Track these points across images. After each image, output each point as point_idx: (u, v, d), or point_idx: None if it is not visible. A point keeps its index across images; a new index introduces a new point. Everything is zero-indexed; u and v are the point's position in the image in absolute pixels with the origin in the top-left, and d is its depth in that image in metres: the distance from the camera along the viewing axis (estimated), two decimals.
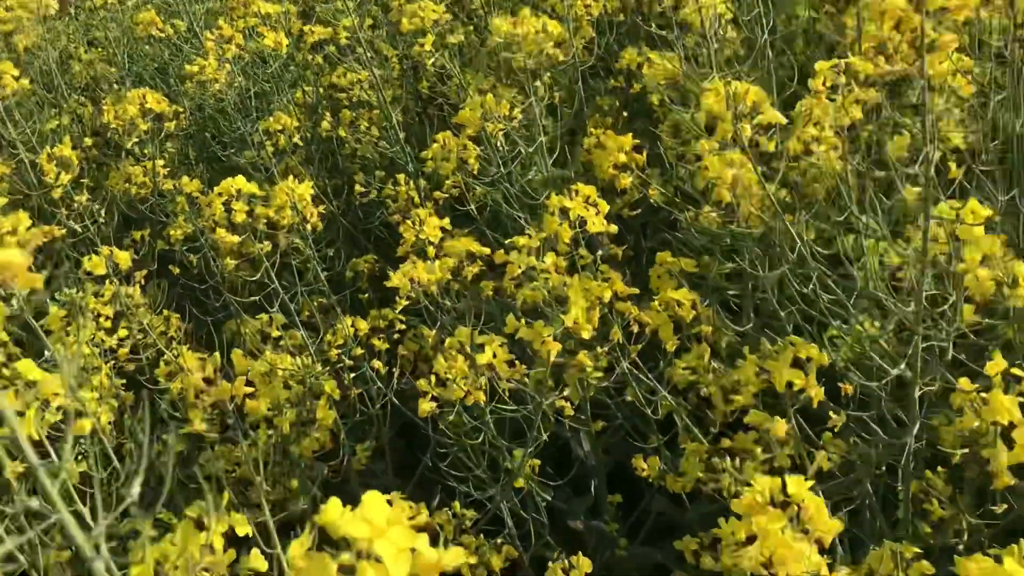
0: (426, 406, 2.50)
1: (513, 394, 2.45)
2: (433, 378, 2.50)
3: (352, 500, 3.07)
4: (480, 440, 2.67)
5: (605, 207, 2.64)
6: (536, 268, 2.55)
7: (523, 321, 2.33)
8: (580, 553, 3.36)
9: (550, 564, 2.32)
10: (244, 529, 2.35)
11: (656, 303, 2.56)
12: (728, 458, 2.21)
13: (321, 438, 2.84)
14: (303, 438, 2.73)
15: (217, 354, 3.61)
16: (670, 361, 2.73)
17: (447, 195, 3.46)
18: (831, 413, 2.17)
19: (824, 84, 2.19)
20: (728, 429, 3.15)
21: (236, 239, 2.73)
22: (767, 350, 2.03)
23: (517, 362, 2.34)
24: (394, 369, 3.33)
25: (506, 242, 2.67)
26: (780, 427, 1.97)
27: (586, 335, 2.28)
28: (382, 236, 4.41)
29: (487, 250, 2.95)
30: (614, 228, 2.65)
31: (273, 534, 2.54)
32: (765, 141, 2.40)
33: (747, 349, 3.00)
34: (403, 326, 3.72)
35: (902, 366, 2.05)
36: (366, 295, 4.32)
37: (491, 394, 2.41)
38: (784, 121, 2.12)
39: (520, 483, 2.79)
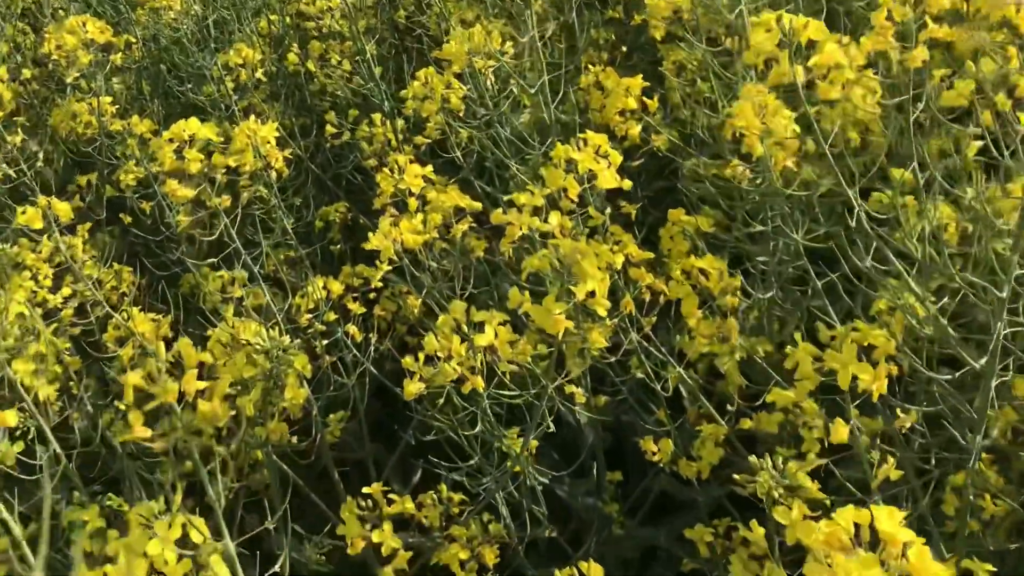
0: (412, 388, 2.16)
1: (513, 375, 2.11)
2: (421, 356, 2.15)
3: (324, 478, 2.69)
4: (473, 425, 2.34)
5: (617, 159, 2.28)
6: (540, 230, 2.19)
7: (527, 295, 1.98)
8: (576, 532, 3.07)
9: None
10: (200, 536, 2.01)
11: (676, 271, 2.22)
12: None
13: (292, 412, 2.49)
14: (269, 419, 2.39)
15: (170, 317, 3.25)
16: (684, 332, 2.41)
17: (429, 140, 3.07)
18: (898, 411, 1.85)
19: (888, 19, 1.83)
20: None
21: (190, 193, 2.35)
22: (824, 336, 1.70)
23: (522, 342, 2.00)
24: (371, 336, 2.98)
25: (505, 199, 2.31)
26: (841, 431, 1.64)
27: (603, 311, 1.94)
28: (355, 182, 4.01)
29: (478, 205, 2.58)
30: (628, 183, 2.29)
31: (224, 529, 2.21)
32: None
33: (778, 327, 2.69)
34: (379, 283, 3.36)
35: (981, 361, 1.74)
36: (338, 247, 3.94)
37: (488, 375, 2.07)
38: (846, 62, 1.76)
39: (516, 468, 2.46)
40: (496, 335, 1.94)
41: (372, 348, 2.99)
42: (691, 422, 2.85)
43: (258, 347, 2.30)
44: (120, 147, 3.64)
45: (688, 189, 2.61)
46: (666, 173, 3.42)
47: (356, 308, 2.92)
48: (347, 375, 3.01)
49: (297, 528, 3.17)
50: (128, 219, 3.81)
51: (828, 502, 1.83)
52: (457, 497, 2.66)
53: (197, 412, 1.52)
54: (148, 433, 1.48)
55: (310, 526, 3.57)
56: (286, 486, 3.09)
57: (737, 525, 2.56)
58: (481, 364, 2.00)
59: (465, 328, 1.94)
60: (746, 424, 2.49)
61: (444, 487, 2.67)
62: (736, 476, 1.88)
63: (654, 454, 2.49)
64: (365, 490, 2.30)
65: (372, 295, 3.37)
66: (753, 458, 1.89)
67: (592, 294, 1.97)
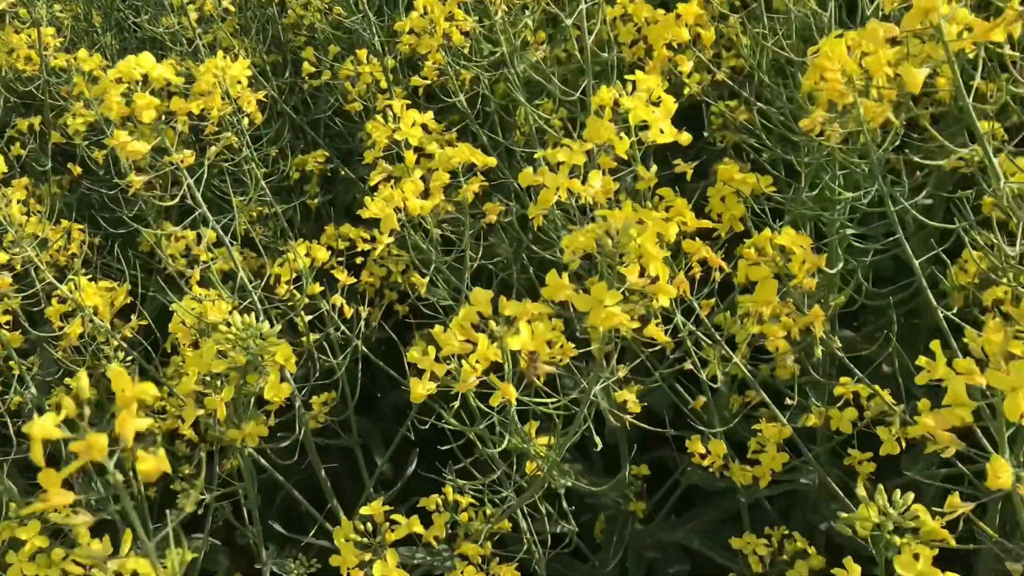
0: (420, 389, 1.73)
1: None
2: (430, 351, 1.73)
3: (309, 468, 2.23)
4: (492, 429, 1.93)
5: (671, 106, 1.84)
6: (579, 195, 1.76)
7: (565, 276, 1.55)
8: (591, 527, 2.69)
9: None
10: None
11: (749, 248, 1.80)
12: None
13: (274, 401, 2.06)
14: (245, 420, 1.96)
15: (126, 284, 2.79)
16: (746, 319, 2.00)
17: (427, 82, 2.61)
18: None
19: None
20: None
21: (143, 147, 1.88)
22: (973, 344, 1.29)
23: (564, 340, 1.58)
24: (359, 308, 2.55)
25: (536, 155, 1.87)
26: (1001, 474, 1.24)
27: (666, 300, 1.52)
28: (334, 127, 3.54)
29: (493, 161, 2.14)
30: (687, 136, 1.86)
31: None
32: None
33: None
34: (367, 246, 2.92)
35: None
36: (316, 200, 3.48)
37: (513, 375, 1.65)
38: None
39: (533, 467, 2.06)
40: (532, 334, 1.51)
41: (362, 322, 2.55)
42: (732, 413, 2.46)
43: (230, 336, 1.87)
44: (66, 86, 3.13)
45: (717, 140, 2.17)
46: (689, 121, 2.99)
47: (344, 278, 2.48)
48: (333, 353, 2.58)
49: (278, 527, 2.76)
50: (78, 170, 3.32)
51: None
52: (465, 500, 2.26)
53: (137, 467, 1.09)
54: (69, 499, 1.05)
55: (295, 523, 3.17)
56: (270, 482, 2.69)
57: (793, 535, 2.18)
58: (508, 370, 1.58)
59: (493, 325, 1.51)
60: (811, 420, 2.10)
61: (450, 490, 2.26)
62: (842, 516, 1.48)
63: (703, 456, 2.09)
64: (364, 511, 1.88)
65: (359, 259, 2.93)
66: (861, 490, 1.49)
67: (646, 279, 1.56)
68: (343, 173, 3.40)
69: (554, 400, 1.66)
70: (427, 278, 2.18)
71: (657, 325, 1.63)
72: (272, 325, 1.99)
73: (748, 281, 1.77)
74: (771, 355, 2.16)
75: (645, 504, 2.55)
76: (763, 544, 2.13)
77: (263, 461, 2.45)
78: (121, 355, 2.64)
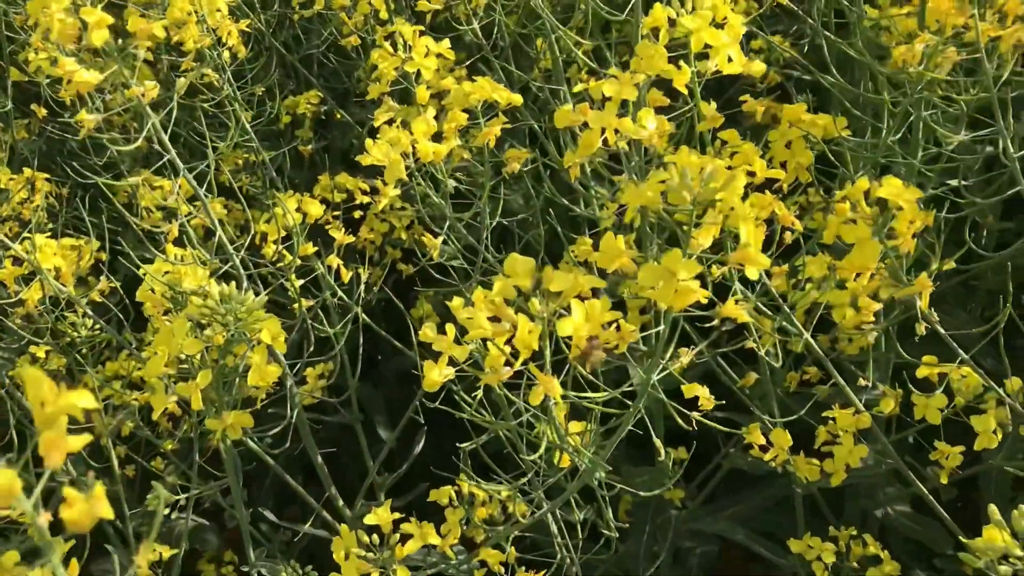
0: (435, 376, 1.40)
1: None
2: (448, 329, 1.39)
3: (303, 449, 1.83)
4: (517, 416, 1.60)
5: (739, 29, 1.48)
6: (632, 137, 1.40)
7: (621, 240, 1.20)
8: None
9: None
10: None
11: (841, 202, 1.44)
12: None
13: (260, 390, 1.71)
14: (225, 408, 1.62)
15: (95, 242, 2.43)
16: (824, 283, 1.66)
17: (436, 6, 2.22)
18: None
19: None
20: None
21: (94, 77, 1.51)
22: None
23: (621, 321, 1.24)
24: (360, 270, 2.19)
25: (576, 88, 1.51)
26: None
27: (755, 273, 1.18)
28: (329, 65, 3.16)
29: (518, 98, 1.78)
30: (760, 66, 1.50)
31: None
32: None
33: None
34: (367, 199, 2.56)
35: None
36: (309, 147, 3.11)
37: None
38: None
39: (566, 461, 1.72)
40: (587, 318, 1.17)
41: (362, 286, 2.21)
42: (788, 393, 2.13)
43: (205, 310, 1.52)
44: (21, 15, 2.74)
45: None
46: None
47: (341, 236, 2.13)
48: (329, 321, 2.24)
49: (268, 515, 2.44)
50: (43, 112, 2.94)
51: None
52: (481, 494, 1.93)
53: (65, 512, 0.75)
54: None
55: (289, 500, 2.86)
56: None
57: (864, 538, 1.86)
58: (549, 352, 1.24)
59: (537, 303, 1.17)
60: (888, 407, 1.77)
61: (465, 483, 1.94)
62: (968, 544, 1.16)
63: (763, 448, 1.76)
64: (368, 520, 1.55)
65: (357, 213, 2.57)
66: (995, 512, 1.16)
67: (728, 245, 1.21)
68: (339, 116, 3.02)
69: (604, 394, 1.32)
70: (440, 238, 1.82)
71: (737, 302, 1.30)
72: (257, 294, 1.65)
73: (841, 243, 1.43)
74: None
75: (683, 492, 2.24)
76: (830, 550, 1.81)
77: (251, 443, 2.12)
78: (89, 323, 2.30)
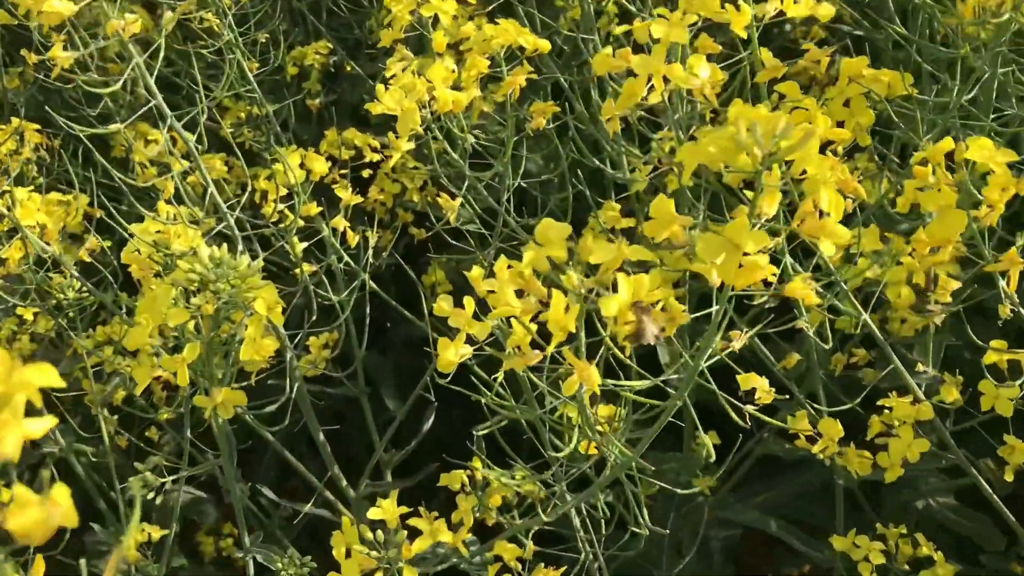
0: (451, 355, 1.23)
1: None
2: (467, 303, 1.21)
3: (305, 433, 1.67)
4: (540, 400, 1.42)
5: None
6: (682, 87, 1.21)
7: (671, 203, 1.02)
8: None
9: None
10: None
11: (921, 167, 1.25)
12: None
13: (253, 366, 1.53)
14: (217, 384, 1.45)
15: (83, 197, 2.25)
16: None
17: None
18: None
19: None
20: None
21: (67, 8, 1.32)
22: None
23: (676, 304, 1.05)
24: (369, 233, 2.01)
25: (616, 30, 1.31)
26: None
27: (830, 248, 0.99)
28: (340, 15, 2.95)
29: (546, 44, 1.58)
30: (828, 9, 1.30)
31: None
32: None
33: None
34: (376, 156, 2.37)
35: None
36: (317, 100, 2.91)
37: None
38: None
39: (592, 449, 1.54)
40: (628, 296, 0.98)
41: (371, 251, 2.02)
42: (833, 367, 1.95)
43: (193, 275, 1.34)
44: None
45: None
46: None
47: (348, 196, 1.94)
48: (334, 288, 2.06)
49: (267, 492, 2.28)
50: (33, 58, 2.74)
51: None
52: (494, 479, 1.76)
53: None
54: None
55: (290, 476, 2.70)
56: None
57: (916, 538, 1.69)
58: (584, 334, 1.05)
59: (576, 279, 0.98)
60: (950, 396, 1.58)
61: (479, 464, 1.76)
62: None
63: (811, 440, 1.58)
64: (372, 513, 1.37)
65: (366, 172, 2.38)
66: None
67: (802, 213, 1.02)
68: (349, 69, 2.82)
69: (643, 382, 1.14)
70: (457, 200, 1.63)
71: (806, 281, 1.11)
72: (255, 258, 1.47)
73: (895, 213, 1.24)
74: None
75: (714, 480, 2.06)
76: (877, 549, 1.63)
77: (249, 419, 1.95)
78: (76, 284, 2.12)
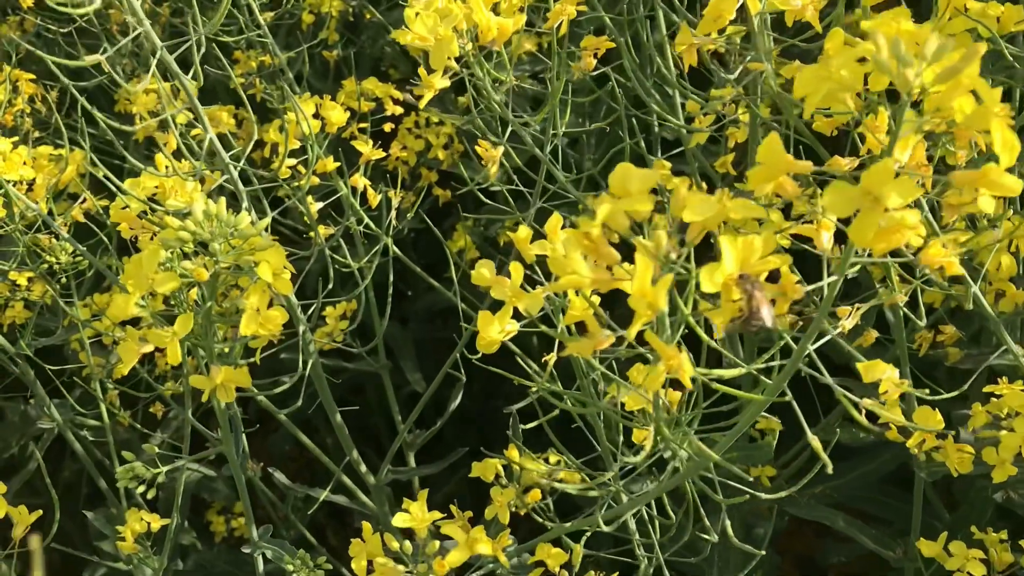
0: (494, 333, 1.00)
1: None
2: (515, 270, 0.98)
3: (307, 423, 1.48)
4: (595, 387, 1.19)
5: None
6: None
7: (779, 142, 0.78)
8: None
9: None
10: None
11: None
12: None
13: (258, 341, 1.31)
14: (216, 362, 1.23)
15: (78, 152, 2.02)
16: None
17: None
18: None
19: None
20: None
21: None
22: None
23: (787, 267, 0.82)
24: (391, 193, 1.78)
25: None
26: None
27: (990, 204, 0.76)
28: None
29: None
30: None
31: None
32: None
33: None
34: (398, 109, 2.13)
35: None
36: (334, 52, 2.67)
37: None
38: None
39: (645, 437, 1.31)
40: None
41: (393, 212, 1.79)
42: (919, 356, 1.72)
43: (185, 234, 1.11)
44: None
45: None
46: None
47: (369, 150, 1.70)
48: (352, 253, 1.83)
49: (280, 476, 2.06)
50: (28, 1, 2.51)
51: None
52: (534, 470, 1.54)
53: None
54: None
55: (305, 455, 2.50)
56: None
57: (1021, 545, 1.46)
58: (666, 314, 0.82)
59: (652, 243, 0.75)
60: None
61: (515, 453, 1.54)
62: None
63: (903, 432, 1.34)
64: (399, 520, 1.15)
65: (388, 126, 2.14)
66: None
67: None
68: (369, 17, 2.57)
69: (738, 371, 0.91)
70: (500, 148, 1.39)
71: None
72: (260, 216, 1.24)
73: None
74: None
75: (774, 470, 1.84)
76: (978, 559, 1.40)
77: (261, 398, 1.74)
78: (69, 247, 1.90)
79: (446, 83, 1.18)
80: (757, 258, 0.75)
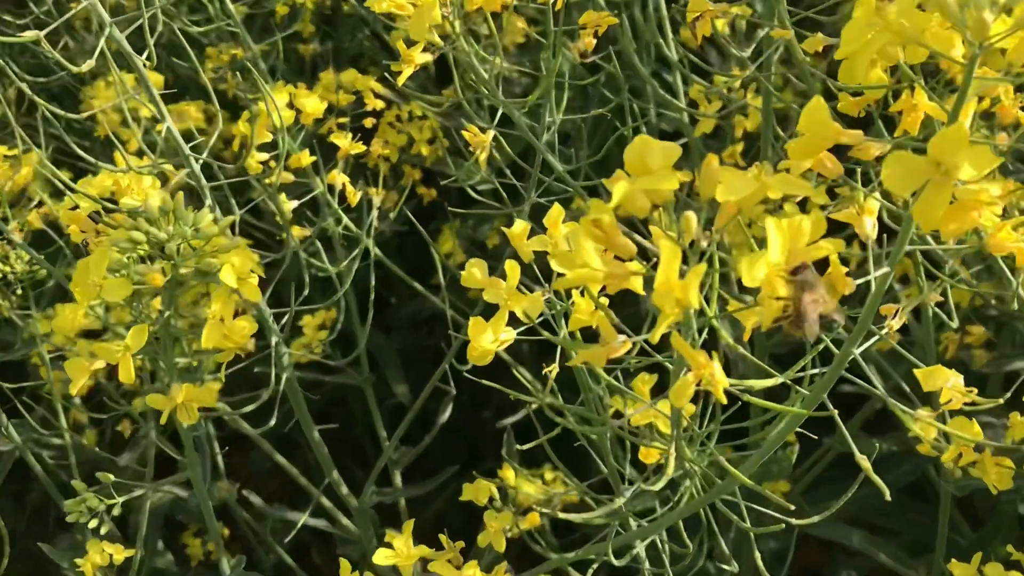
0: (486, 343, 0.88)
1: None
2: (511, 269, 0.86)
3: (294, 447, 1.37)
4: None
5: None
6: None
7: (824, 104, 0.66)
8: None
9: None
10: None
11: None
12: None
13: (224, 355, 1.18)
14: (177, 378, 1.09)
15: (34, 153, 1.88)
16: None
17: None
18: None
19: None
20: None
21: None
22: None
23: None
24: (372, 192, 1.65)
25: None
26: None
27: None
28: None
29: None
30: None
31: None
32: None
33: None
34: (380, 103, 2.01)
35: None
36: (310, 45, 2.54)
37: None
38: None
39: (655, 456, 1.19)
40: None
41: (374, 212, 1.67)
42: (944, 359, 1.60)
43: (138, 236, 0.98)
44: None
45: None
46: None
47: (347, 145, 1.58)
48: (331, 257, 1.70)
49: (254, 498, 1.93)
50: None
51: None
52: (532, 490, 1.41)
53: None
54: None
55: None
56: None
57: None
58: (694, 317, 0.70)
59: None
60: None
61: (510, 474, 1.41)
62: None
63: (933, 444, 1.22)
64: (381, 558, 1.02)
65: (369, 121, 2.02)
66: None
67: None
68: (348, 6, 2.45)
69: (773, 380, 0.79)
70: (489, 133, 1.26)
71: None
72: (223, 214, 1.11)
73: None
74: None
75: (788, 484, 1.72)
76: None
77: (234, 416, 1.60)
78: (24, 256, 1.76)
79: (428, 58, 1.05)
80: (805, 244, 0.63)
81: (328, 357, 1.85)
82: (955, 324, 1.25)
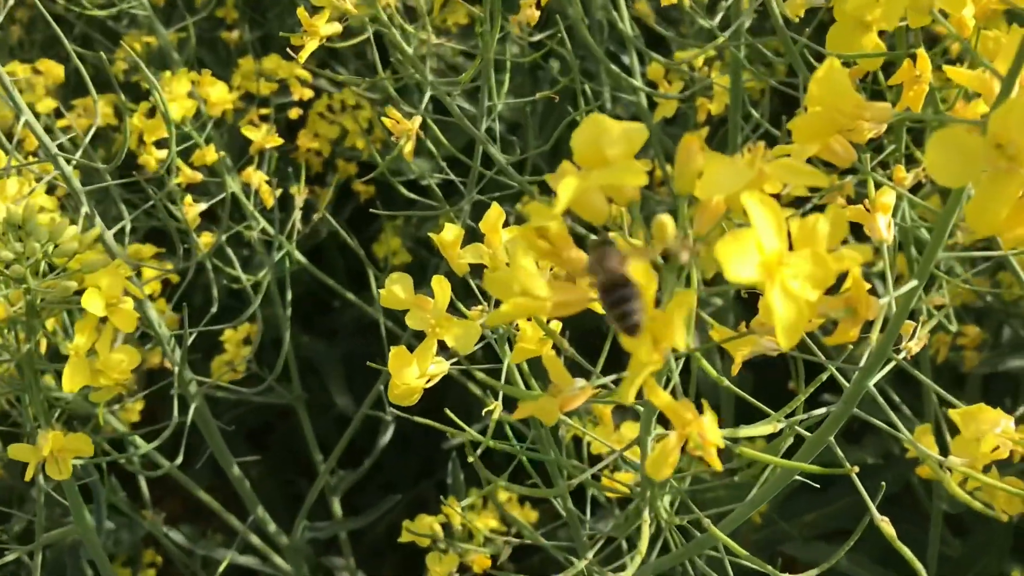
0: (411, 379, 0.70)
1: None
2: (440, 288, 0.68)
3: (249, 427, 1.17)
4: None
5: None
6: None
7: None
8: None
9: None
10: None
11: None
12: None
13: (101, 394, 0.99)
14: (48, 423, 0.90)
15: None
16: None
17: None
18: None
19: None
20: None
21: None
22: None
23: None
24: (296, 190, 1.46)
25: None
26: None
27: None
28: None
29: None
30: None
31: None
32: None
33: None
34: (309, 92, 1.82)
35: None
36: (234, 33, 2.34)
37: None
38: None
39: (629, 478, 1.02)
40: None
41: (296, 213, 1.48)
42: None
43: None
44: None
45: None
46: None
47: (261, 137, 1.39)
48: (251, 264, 1.51)
49: (177, 537, 1.74)
50: None
51: None
52: (484, 525, 1.24)
53: None
54: None
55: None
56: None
57: None
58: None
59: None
60: None
61: (455, 509, 1.24)
62: None
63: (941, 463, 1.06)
64: None
65: (296, 112, 1.82)
66: None
67: None
68: None
69: (769, 427, 0.62)
70: (416, 118, 1.08)
71: None
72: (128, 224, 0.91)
73: None
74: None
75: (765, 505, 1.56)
76: None
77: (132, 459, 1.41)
78: None
79: (335, 28, 0.87)
80: (823, 252, 0.46)
81: (254, 375, 1.66)
82: (954, 328, 1.10)
